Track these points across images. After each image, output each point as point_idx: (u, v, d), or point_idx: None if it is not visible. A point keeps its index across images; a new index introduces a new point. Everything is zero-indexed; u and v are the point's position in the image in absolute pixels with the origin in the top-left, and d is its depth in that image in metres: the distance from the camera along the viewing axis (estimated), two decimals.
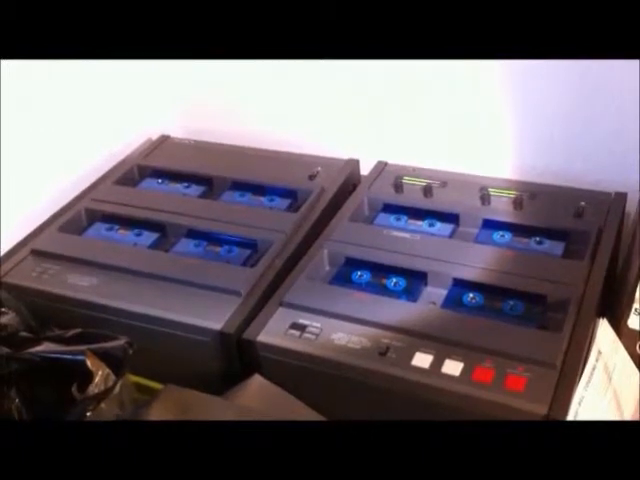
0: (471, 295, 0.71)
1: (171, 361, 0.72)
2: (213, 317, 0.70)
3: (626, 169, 0.83)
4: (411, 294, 0.73)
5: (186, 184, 0.93)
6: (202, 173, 0.93)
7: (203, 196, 0.91)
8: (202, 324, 0.70)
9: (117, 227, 0.86)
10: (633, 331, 0.69)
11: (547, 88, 0.85)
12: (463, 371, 0.63)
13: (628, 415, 0.67)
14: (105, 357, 0.61)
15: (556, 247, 0.77)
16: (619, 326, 0.69)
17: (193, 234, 0.83)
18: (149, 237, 0.84)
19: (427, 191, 0.85)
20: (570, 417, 0.59)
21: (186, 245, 0.82)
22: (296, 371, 0.67)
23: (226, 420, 0.60)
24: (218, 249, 0.81)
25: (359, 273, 0.76)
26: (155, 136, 1.03)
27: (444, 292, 0.72)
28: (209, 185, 0.92)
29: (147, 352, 0.64)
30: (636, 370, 0.69)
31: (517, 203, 0.82)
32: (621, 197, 0.82)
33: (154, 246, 0.83)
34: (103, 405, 0.60)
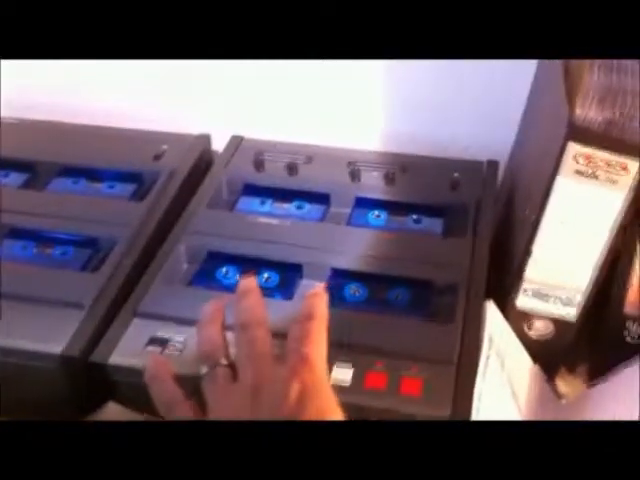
0: (353, 287, 0.66)
1: (15, 393, 0.61)
2: (52, 338, 0.60)
3: (496, 135, 0.81)
4: (286, 290, 0.66)
5: (3, 172, 0.81)
6: (23, 157, 0.82)
7: (25, 186, 0.80)
8: (39, 348, 0.59)
9: None
10: (522, 312, 0.66)
11: None
12: (354, 377, 0.57)
13: (522, 401, 0.65)
14: None
15: (435, 224, 0.73)
16: (506, 307, 0.66)
17: (17, 234, 0.72)
18: None
19: (291, 168, 0.78)
20: (473, 415, 0.56)
21: (9, 249, 0.71)
22: None
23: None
24: (50, 251, 0.71)
25: (224, 270, 0.68)
26: None
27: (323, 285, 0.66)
28: (32, 172, 0.81)
29: None
30: (525, 353, 0.68)
31: (389, 178, 0.77)
32: (494, 165, 0.79)
33: None
34: None
